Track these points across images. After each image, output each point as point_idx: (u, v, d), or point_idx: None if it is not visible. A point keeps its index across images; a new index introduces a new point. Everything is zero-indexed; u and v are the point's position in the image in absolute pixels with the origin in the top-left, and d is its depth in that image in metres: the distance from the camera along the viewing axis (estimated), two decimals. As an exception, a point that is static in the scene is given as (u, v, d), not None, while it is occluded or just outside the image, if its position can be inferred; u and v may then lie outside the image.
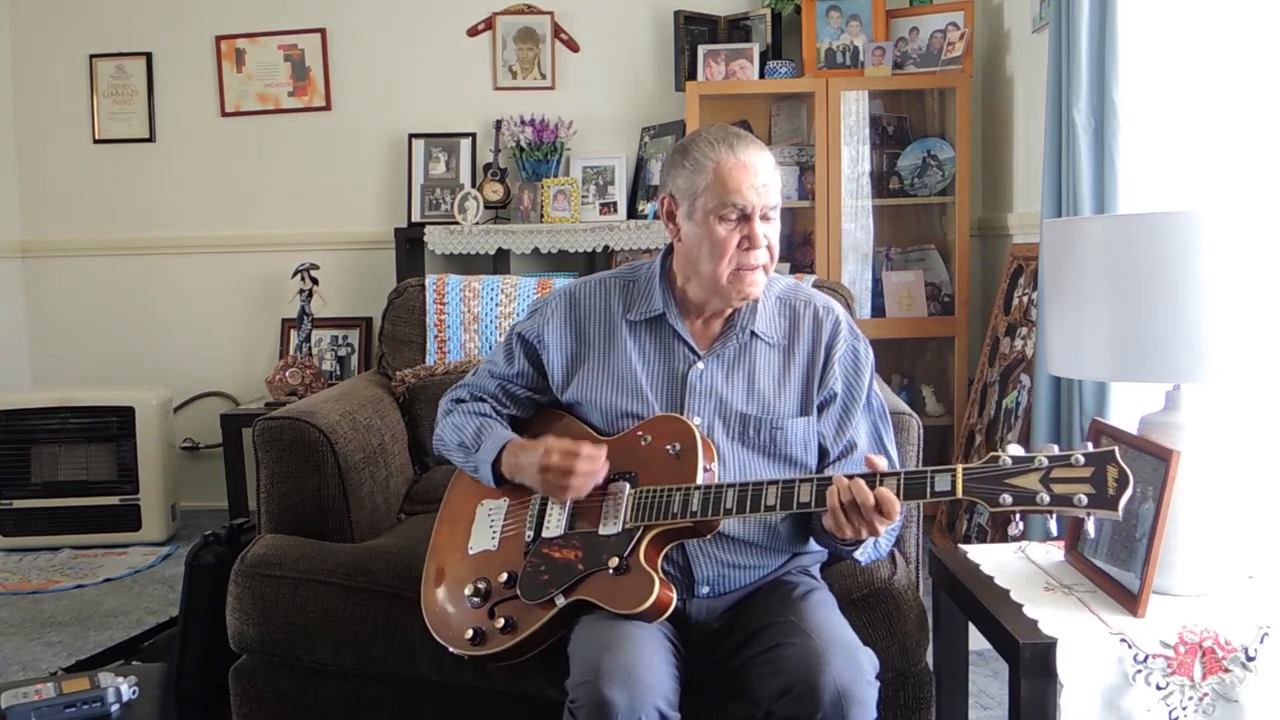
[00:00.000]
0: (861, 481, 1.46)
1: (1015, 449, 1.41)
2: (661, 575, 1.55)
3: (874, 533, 1.47)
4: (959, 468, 1.42)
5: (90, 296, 4.29)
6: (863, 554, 1.61)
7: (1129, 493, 1.33)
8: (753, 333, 1.71)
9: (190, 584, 2.22)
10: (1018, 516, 1.41)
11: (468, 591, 1.68)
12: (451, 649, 1.67)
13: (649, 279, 1.76)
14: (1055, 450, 1.39)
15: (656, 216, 3.77)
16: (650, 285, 1.75)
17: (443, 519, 1.85)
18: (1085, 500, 1.34)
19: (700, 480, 1.57)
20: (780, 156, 3.82)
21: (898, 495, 1.45)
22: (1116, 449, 1.36)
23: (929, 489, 1.43)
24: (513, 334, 1.83)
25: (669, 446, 1.62)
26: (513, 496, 1.75)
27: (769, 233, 1.63)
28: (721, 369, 1.70)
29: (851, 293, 2.45)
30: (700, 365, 1.70)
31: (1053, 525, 1.40)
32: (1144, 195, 2.50)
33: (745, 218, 1.61)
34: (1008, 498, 1.39)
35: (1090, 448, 1.38)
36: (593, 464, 1.62)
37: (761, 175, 1.61)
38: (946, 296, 3.79)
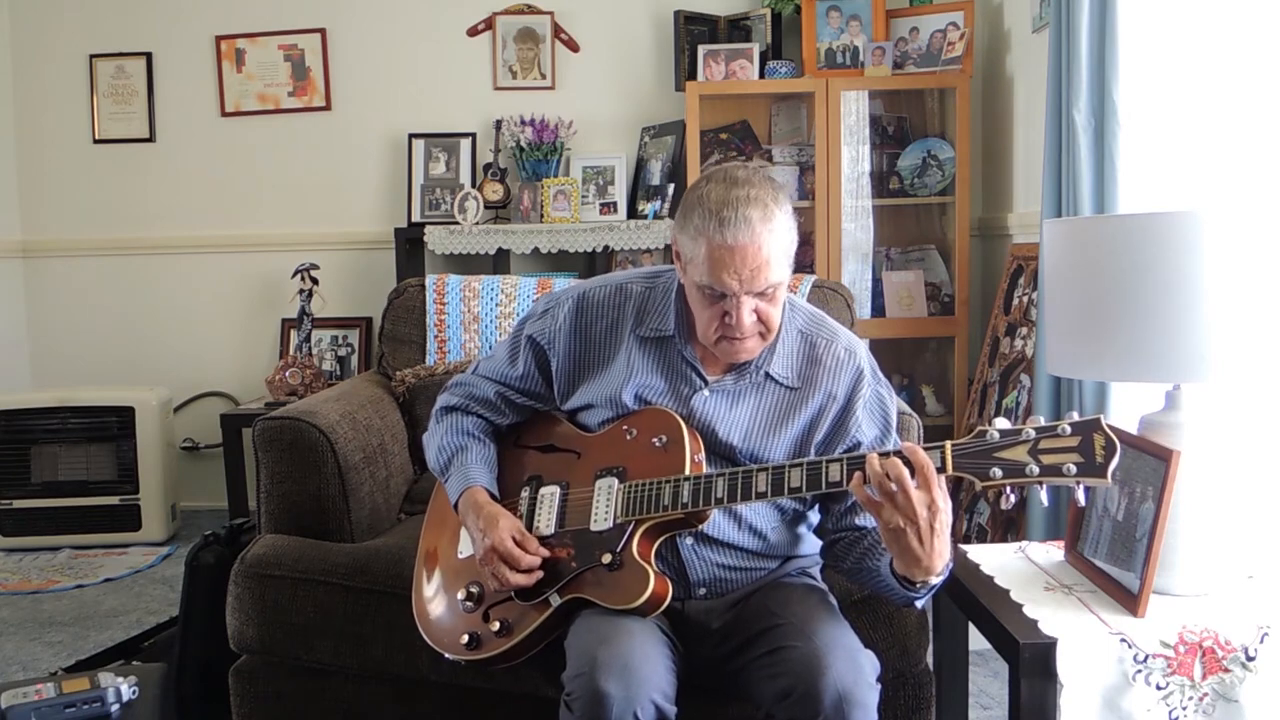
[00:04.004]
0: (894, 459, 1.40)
1: (1002, 422, 1.39)
2: (656, 569, 1.55)
3: (913, 518, 1.37)
4: (947, 444, 1.40)
5: (90, 296, 4.29)
6: (921, 600, 1.54)
7: (1117, 459, 1.32)
8: (767, 374, 1.64)
9: (190, 584, 2.23)
10: (1009, 489, 1.40)
11: (460, 596, 1.67)
12: (447, 655, 1.66)
13: (666, 293, 1.69)
14: (1041, 421, 1.38)
15: (658, 216, 3.80)
16: (666, 302, 1.68)
17: (429, 526, 1.83)
18: (1074, 469, 1.34)
19: (689, 471, 1.56)
20: (780, 156, 3.82)
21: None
22: (1102, 416, 1.35)
23: None
24: (521, 334, 1.77)
25: (655, 439, 1.61)
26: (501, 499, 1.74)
27: (763, 308, 1.54)
28: (726, 401, 1.64)
29: (851, 293, 2.45)
30: (706, 393, 1.64)
31: (1043, 495, 1.40)
32: (1144, 195, 2.50)
33: (729, 296, 1.52)
34: (998, 471, 1.37)
35: (1076, 417, 1.37)
36: (528, 579, 1.58)
37: (750, 260, 1.49)
38: (946, 296, 3.79)
